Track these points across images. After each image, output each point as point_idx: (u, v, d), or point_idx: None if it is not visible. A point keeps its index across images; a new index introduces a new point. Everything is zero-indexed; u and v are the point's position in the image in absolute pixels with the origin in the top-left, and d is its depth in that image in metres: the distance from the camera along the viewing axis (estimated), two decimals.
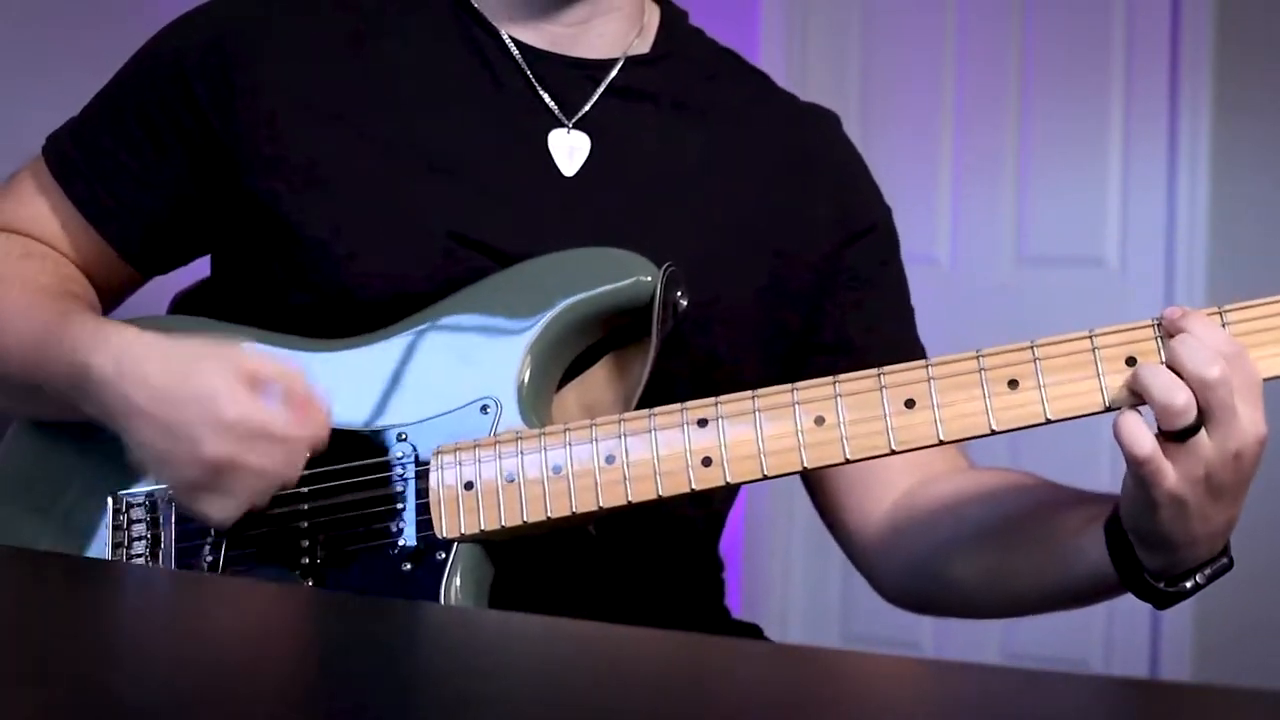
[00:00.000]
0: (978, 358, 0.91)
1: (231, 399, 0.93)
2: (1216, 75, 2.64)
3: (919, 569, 1.11)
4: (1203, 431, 0.86)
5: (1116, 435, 0.87)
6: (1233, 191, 2.65)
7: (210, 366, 0.95)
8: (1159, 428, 0.87)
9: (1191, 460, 0.87)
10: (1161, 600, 0.96)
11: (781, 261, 1.11)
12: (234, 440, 0.93)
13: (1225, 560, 0.95)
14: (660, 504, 0.94)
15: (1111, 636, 2.72)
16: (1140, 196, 2.73)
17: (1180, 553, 0.92)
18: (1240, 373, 0.86)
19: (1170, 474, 0.87)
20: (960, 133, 2.89)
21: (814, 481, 1.16)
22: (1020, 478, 1.07)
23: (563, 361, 1.01)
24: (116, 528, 1.02)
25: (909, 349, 1.17)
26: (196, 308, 1.17)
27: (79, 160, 1.11)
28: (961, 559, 1.08)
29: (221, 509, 0.95)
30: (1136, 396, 0.87)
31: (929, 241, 2.90)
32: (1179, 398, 0.85)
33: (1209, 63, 2.64)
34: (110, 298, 1.16)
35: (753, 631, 1.19)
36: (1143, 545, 0.92)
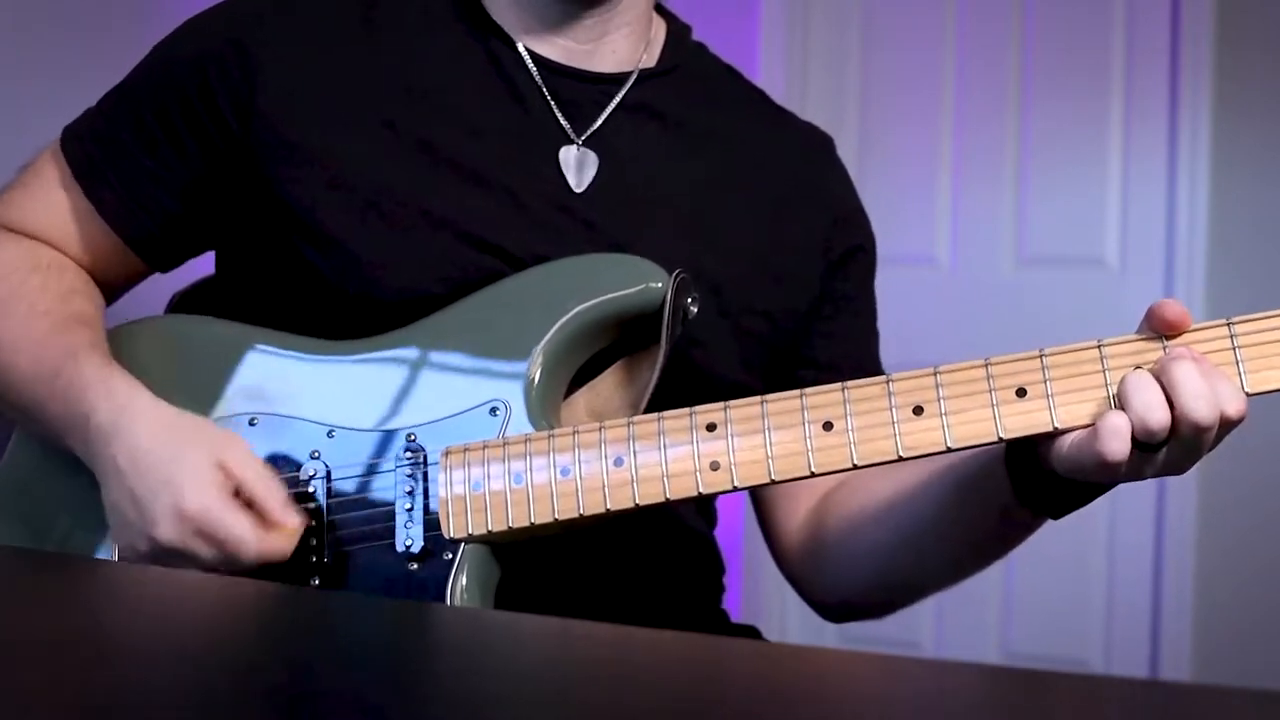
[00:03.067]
0: (986, 365, 0.91)
1: (198, 492, 0.94)
2: (1216, 75, 2.64)
3: (839, 564, 1.13)
4: (1165, 448, 0.87)
5: (1097, 429, 0.87)
6: (1233, 191, 2.65)
7: (195, 454, 0.96)
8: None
9: (1147, 466, 0.89)
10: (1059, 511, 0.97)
11: (776, 283, 1.12)
12: (186, 532, 0.94)
13: None
14: (665, 507, 0.94)
15: (1111, 636, 2.72)
16: (1140, 196, 2.73)
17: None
18: (1224, 423, 0.87)
19: (1124, 471, 0.88)
20: (960, 133, 2.89)
21: (752, 491, 1.18)
22: (928, 463, 1.05)
23: (572, 365, 1.01)
24: None
25: (872, 370, 1.18)
26: (195, 307, 1.18)
27: (97, 157, 1.11)
28: (881, 549, 1.09)
29: None
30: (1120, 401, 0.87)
31: (929, 241, 2.90)
32: (1156, 417, 0.86)
33: (1209, 63, 2.64)
34: (118, 289, 1.16)
35: (751, 634, 1.19)
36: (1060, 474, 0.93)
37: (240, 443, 0.98)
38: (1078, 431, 0.89)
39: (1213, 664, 2.62)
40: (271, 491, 0.96)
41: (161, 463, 0.96)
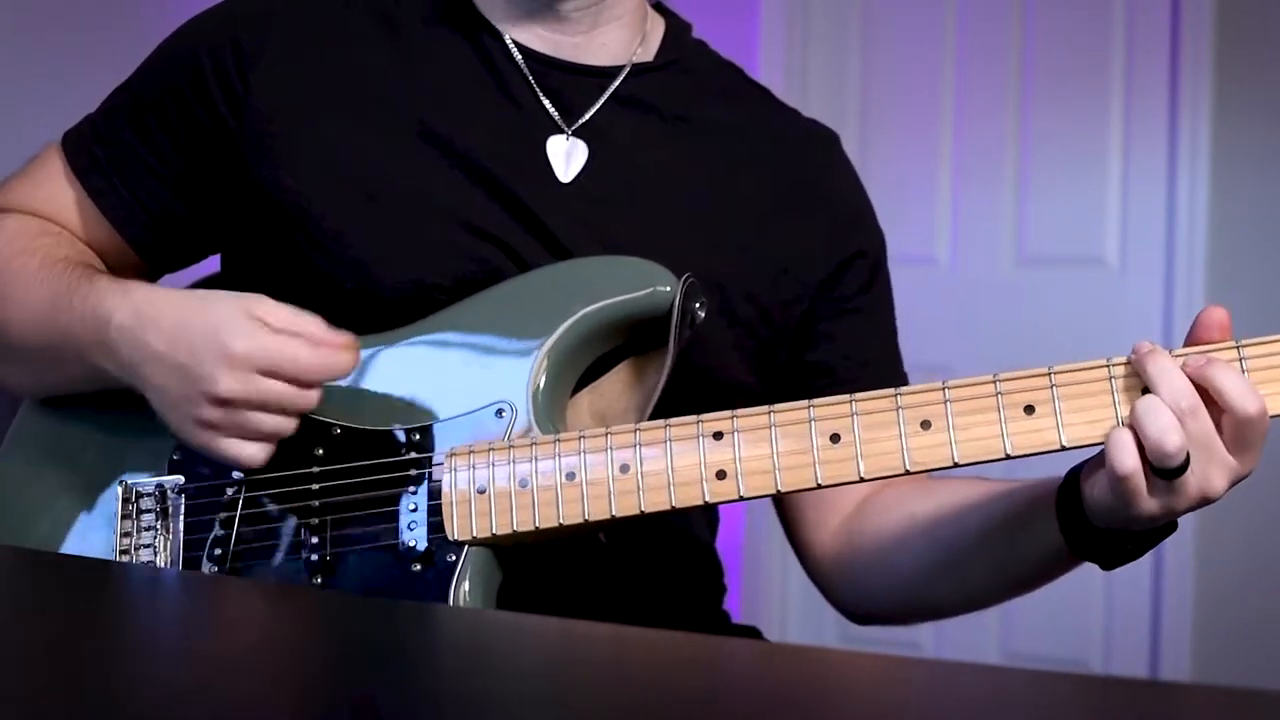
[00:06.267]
0: (995, 382, 0.91)
1: (239, 332, 0.94)
2: (1216, 75, 2.64)
3: (873, 581, 1.13)
4: (1189, 473, 0.87)
5: (1106, 449, 0.88)
6: (1233, 191, 2.65)
7: (225, 309, 0.96)
8: (1149, 463, 0.87)
9: (1174, 498, 0.88)
10: (1109, 562, 0.98)
11: (776, 283, 1.11)
12: (244, 375, 0.94)
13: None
14: (670, 513, 0.94)
15: (1111, 636, 2.72)
16: (1140, 196, 2.73)
17: (1134, 528, 0.93)
18: (1244, 421, 0.87)
19: (1147, 500, 0.88)
20: (960, 133, 2.89)
21: (780, 500, 1.17)
22: (969, 487, 1.07)
23: (578, 368, 1.01)
24: (125, 517, 1.03)
25: (890, 376, 1.17)
26: None
27: (98, 154, 1.12)
28: (919, 573, 1.09)
29: (242, 450, 0.96)
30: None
31: (929, 241, 2.91)
32: (1172, 440, 0.86)
33: (1209, 63, 2.64)
34: None
35: (752, 634, 1.19)
36: (1098, 521, 0.94)
37: (263, 296, 0.97)
38: (1100, 474, 0.90)
39: (1213, 664, 2.62)
40: (312, 322, 0.96)
41: (195, 327, 0.95)
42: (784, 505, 1.18)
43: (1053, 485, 0.98)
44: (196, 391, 0.95)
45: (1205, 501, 0.89)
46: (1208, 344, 0.89)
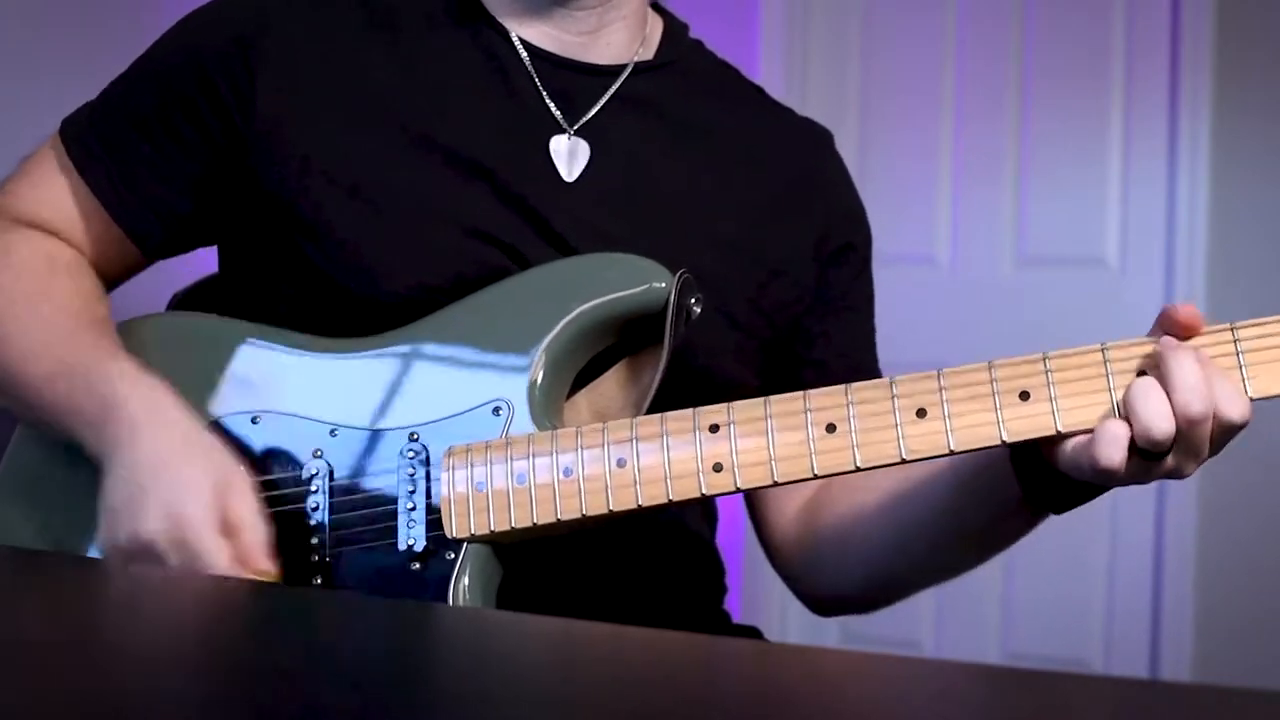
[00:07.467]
0: (989, 368, 0.91)
1: (193, 504, 0.95)
2: (1216, 75, 2.65)
3: (832, 560, 1.13)
4: (1168, 457, 0.87)
5: (1095, 436, 0.87)
6: (1233, 191, 2.65)
7: (200, 471, 0.96)
8: (1132, 442, 0.87)
9: (1145, 475, 0.89)
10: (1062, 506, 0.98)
11: (772, 279, 1.12)
12: (167, 535, 0.94)
13: None
14: (668, 508, 0.95)
15: (1111, 636, 2.72)
16: (1140, 196, 2.73)
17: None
18: (1224, 425, 0.87)
19: (1121, 477, 0.88)
20: (960, 133, 2.89)
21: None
22: (922, 466, 1.05)
23: (575, 365, 1.01)
24: None
25: (868, 371, 1.18)
26: (195, 307, 1.18)
27: (99, 150, 1.12)
28: (877, 546, 1.09)
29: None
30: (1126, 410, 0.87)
31: (929, 241, 2.91)
32: (1161, 427, 0.85)
33: (1209, 63, 2.64)
34: (115, 280, 1.17)
35: (752, 634, 1.19)
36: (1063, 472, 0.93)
37: (246, 481, 0.98)
38: (1079, 436, 0.90)
39: (1213, 664, 2.62)
40: (259, 535, 0.96)
41: (170, 467, 0.96)
42: (749, 498, 1.18)
43: (1001, 468, 0.98)
44: (127, 516, 0.96)
45: (1172, 478, 0.90)
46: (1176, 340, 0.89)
